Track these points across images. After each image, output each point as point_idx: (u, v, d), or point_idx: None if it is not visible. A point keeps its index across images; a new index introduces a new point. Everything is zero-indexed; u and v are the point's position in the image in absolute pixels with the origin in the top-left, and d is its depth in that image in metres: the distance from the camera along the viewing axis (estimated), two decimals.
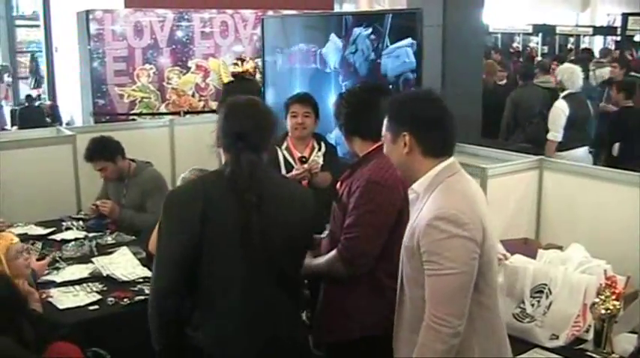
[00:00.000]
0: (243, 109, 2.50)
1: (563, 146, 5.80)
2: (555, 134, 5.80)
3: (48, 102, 12.25)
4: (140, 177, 4.51)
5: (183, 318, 2.46)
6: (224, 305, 2.40)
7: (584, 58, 12.00)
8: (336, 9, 12.05)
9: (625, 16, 15.62)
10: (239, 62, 8.52)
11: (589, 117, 6.19)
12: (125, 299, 3.18)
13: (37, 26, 13.37)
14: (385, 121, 2.32)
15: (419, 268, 2.15)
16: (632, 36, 16.56)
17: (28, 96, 12.11)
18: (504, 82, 8.44)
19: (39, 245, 3.98)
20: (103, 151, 4.44)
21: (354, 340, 2.72)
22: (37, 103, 12.01)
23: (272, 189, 2.45)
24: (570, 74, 6.05)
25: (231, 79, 8.58)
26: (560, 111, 5.84)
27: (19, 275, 2.96)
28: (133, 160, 4.59)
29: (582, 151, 5.94)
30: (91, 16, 8.96)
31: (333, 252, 2.72)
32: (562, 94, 5.99)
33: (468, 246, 2.09)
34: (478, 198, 2.26)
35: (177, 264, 2.36)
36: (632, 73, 8.86)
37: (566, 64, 7.11)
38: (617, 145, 6.17)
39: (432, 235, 2.09)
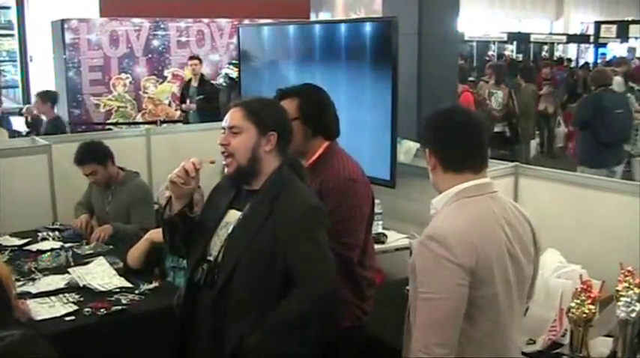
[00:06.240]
0: None
1: None
2: None
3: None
4: (128, 186, 4.47)
5: None
6: None
7: None
8: (312, 18, 12.07)
9: (597, 24, 15.89)
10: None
11: None
12: (102, 310, 3.15)
13: (12, 35, 13.24)
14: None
15: (414, 288, 2.05)
16: (605, 43, 16.82)
17: None
18: None
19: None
20: (94, 154, 4.40)
21: (333, 333, 2.70)
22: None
23: None
24: None
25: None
26: None
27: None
28: (122, 168, 4.55)
29: None
30: (66, 26, 8.92)
31: None
32: None
33: (455, 271, 1.95)
34: (497, 225, 2.07)
35: None
36: (629, 83, 8.95)
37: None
38: None
39: (421, 254, 2.01)
